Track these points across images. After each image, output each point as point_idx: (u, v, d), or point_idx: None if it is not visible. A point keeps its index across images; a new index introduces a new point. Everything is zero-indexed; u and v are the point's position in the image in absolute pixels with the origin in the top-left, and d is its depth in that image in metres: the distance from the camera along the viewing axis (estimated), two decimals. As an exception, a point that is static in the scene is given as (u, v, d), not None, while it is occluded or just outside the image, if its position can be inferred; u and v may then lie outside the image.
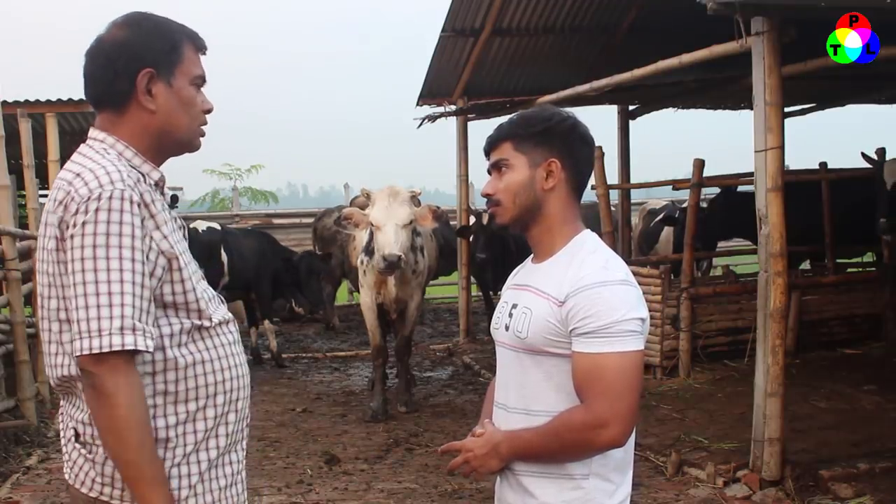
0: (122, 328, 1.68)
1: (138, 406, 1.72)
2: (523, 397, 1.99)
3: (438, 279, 10.04)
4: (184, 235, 1.91)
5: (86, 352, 1.68)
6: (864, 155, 6.93)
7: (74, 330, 1.70)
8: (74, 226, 1.72)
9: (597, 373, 1.86)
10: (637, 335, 1.88)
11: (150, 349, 1.74)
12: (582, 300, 1.87)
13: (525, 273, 2.11)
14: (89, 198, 1.72)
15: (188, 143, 1.96)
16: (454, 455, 2.05)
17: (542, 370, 1.95)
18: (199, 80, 1.94)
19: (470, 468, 1.99)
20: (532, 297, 1.98)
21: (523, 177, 1.99)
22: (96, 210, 1.71)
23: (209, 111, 1.97)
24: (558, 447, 1.91)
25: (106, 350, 1.67)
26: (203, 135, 1.98)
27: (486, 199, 2.08)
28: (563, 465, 1.93)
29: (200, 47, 1.95)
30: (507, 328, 2.03)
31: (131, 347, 1.69)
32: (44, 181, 9.39)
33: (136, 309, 1.71)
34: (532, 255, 2.11)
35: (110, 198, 1.72)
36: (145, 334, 1.72)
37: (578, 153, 2.02)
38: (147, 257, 1.76)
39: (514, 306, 2.03)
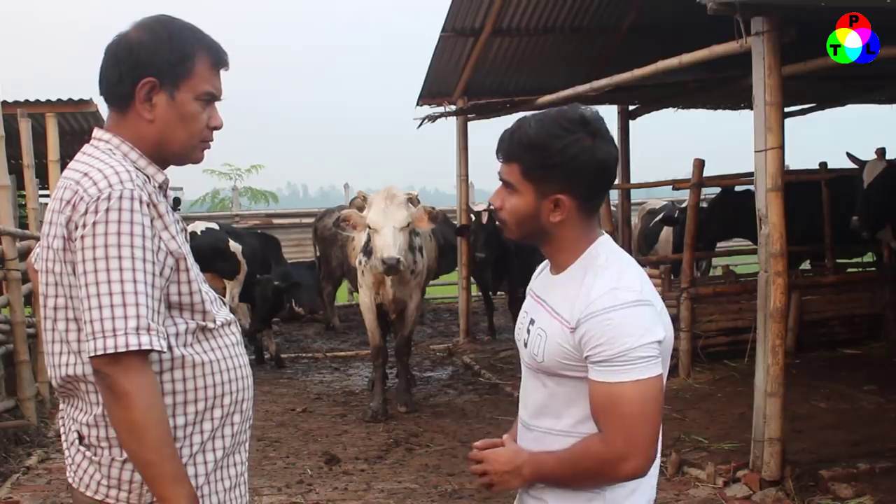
0: (137, 328, 1.68)
1: (155, 405, 1.72)
2: (544, 416, 1.94)
3: (438, 279, 10.04)
4: (185, 238, 1.91)
5: (100, 352, 1.67)
6: (849, 155, 6.94)
7: (87, 330, 1.69)
8: (84, 226, 1.71)
9: (613, 404, 1.78)
10: (653, 360, 1.78)
11: (165, 349, 1.73)
12: (593, 327, 1.78)
13: (544, 282, 2.02)
14: (99, 197, 1.71)
15: (183, 157, 1.94)
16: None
17: (562, 390, 1.90)
18: (207, 97, 1.89)
19: (488, 481, 1.94)
20: (547, 319, 1.91)
21: (528, 206, 1.88)
22: (107, 210, 1.70)
23: (217, 128, 1.94)
24: (580, 476, 1.86)
25: (122, 350, 1.66)
26: (206, 148, 1.95)
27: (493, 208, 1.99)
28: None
29: (219, 62, 1.91)
30: (525, 344, 1.97)
31: (147, 347, 1.69)
32: (44, 181, 9.40)
33: (150, 309, 1.71)
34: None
35: (120, 197, 1.71)
36: (159, 334, 1.72)
37: (594, 182, 1.88)
38: (156, 257, 1.76)
39: (532, 322, 1.96)
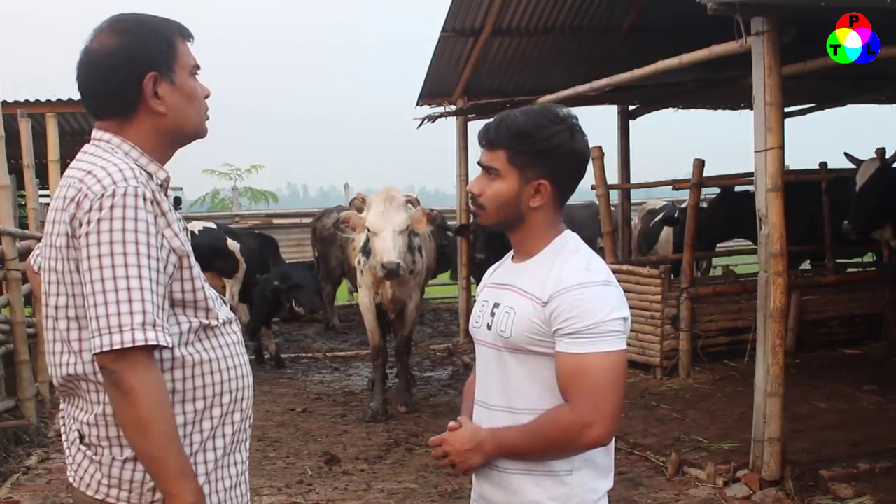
0: (143, 324, 1.68)
1: (161, 401, 1.72)
2: (506, 395, 2.00)
3: (436, 278, 10.01)
4: (187, 237, 1.91)
5: (106, 348, 1.67)
6: (847, 155, 6.93)
7: (93, 327, 1.70)
8: (89, 223, 1.71)
9: (581, 373, 1.88)
10: (620, 335, 1.90)
11: (171, 345, 1.74)
12: (566, 301, 1.90)
13: (505, 272, 2.12)
14: (103, 195, 1.72)
15: (196, 135, 1.98)
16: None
17: (525, 368, 1.98)
18: (196, 70, 1.94)
19: (449, 462, 2.01)
20: (515, 297, 2.00)
21: (511, 191, 1.99)
22: (111, 207, 1.71)
23: (208, 96, 1.98)
24: (544, 446, 1.93)
25: (128, 346, 1.67)
26: (207, 119, 2.00)
27: (470, 196, 2.08)
28: (546, 462, 1.95)
29: (188, 36, 1.95)
30: (489, 327, 2.05)
31: (153, 342, 1.69)
32: (44, 181, 9.40)
33: (155, 305, 1.71)
34: (512, 254, 2.12)
35: (124, 195, 1.72)
36: (164, 330, 1.72)
37: (571, 170, 2.02)
38: (160, 254, 1.76)
39: (496, 305, 2.04)
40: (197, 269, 1.88)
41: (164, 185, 1.90)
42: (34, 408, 6.33)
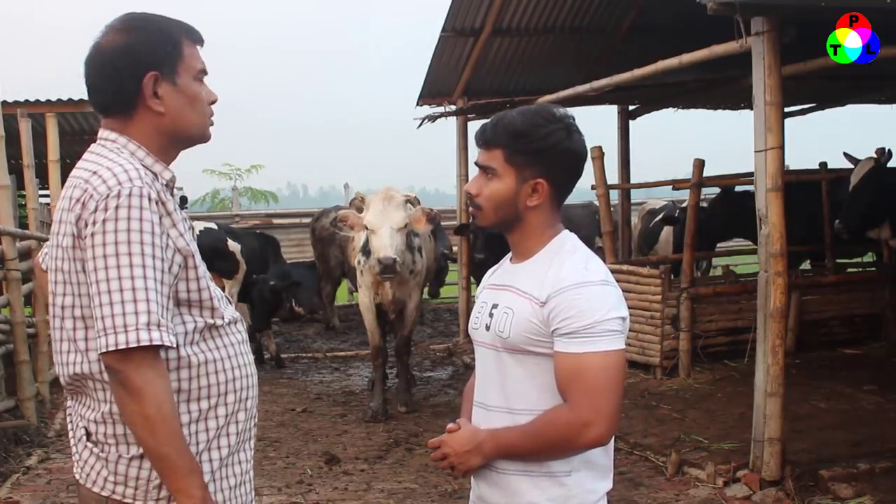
0: (148, 324, 1.69)
1: (167, 400, 1.73)
2: (505, 396, 2.00)
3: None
4: (193, 237, 1.92)
5: (111, 348, 1.68)
6: (846, 155, 6.92)
7: (98, 327, 1.71)
8: (94, 223, 1.72)
9: (580, 373, 1.87)
10: (618, 334, 1.90)
11: (174, 345, 1.75)
12: (563, 301, 1.89)
13: (503, 273, 2.12)
14: (108, 195, 1.73)
15: (199, 138, 1.98)
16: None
17: (523, 369, 1.97)
18: (202, 74, 1.94)
19: (448, 464, 2.01)
20: (513, 298, 2.00)
21: (508, 190, 1.99)
22: (116, 207, 1.72)
23: (214, 102, 1.98)
24: (542, 446, 1.93)
25: (133, 345, 1.68)
26: (212, 125, 2.00)
27: (468, 196, 2.08)
28: (545, 462, 1.95)
29: (197, 40, 1.95)
30: (487, 328, 2.05)
31: (158, 342, 1.70)
32: (44, 181, 9.40)
33: (159, 305, 1.72)
34: (510, 255, 2.12)
35: (129, 195, 1.73)
36: (168, 330, 1.73)
37: (568, 170, 2.02)
38: (165, 254, 1.77)
39: (495, 306, 2.04)
40: (203, 268, 1.88)
41: (169, 185, 1.91)
42: (34, 408, 6.33)
